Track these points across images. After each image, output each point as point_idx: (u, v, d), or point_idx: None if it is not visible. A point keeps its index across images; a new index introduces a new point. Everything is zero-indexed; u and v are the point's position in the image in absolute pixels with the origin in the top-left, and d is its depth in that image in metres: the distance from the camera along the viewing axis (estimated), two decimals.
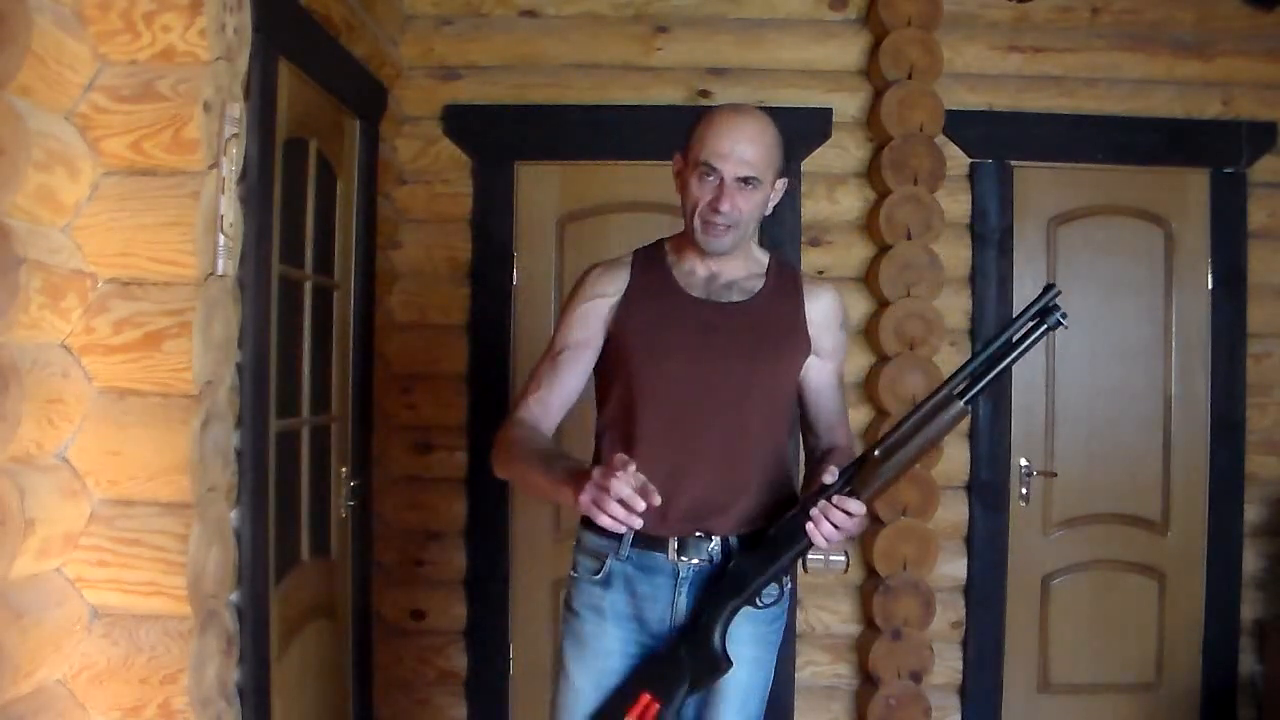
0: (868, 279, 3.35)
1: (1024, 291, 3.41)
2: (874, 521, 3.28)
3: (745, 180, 1.80)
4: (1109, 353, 3.45)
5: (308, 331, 2.69)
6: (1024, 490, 3.42)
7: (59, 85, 1.74)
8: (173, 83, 1.82)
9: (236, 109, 1.96)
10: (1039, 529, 3.44)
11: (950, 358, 3.33)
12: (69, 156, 1.77)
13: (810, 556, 3.42)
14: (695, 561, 1.83)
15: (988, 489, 3.37)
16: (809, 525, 1.70)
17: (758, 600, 1.79)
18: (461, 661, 3.40)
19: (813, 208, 3.39)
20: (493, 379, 3.38)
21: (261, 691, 2.26)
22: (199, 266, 1.85)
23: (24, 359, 1.64)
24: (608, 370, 1.92)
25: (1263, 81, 3.41)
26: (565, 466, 1.73)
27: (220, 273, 1.93)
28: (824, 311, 1.94)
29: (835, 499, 1.69)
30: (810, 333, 1.92)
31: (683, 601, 1.83)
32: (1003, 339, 1.68)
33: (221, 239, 1.92)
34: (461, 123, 3.39)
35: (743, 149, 1.79)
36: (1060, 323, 1.65)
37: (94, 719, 1.83)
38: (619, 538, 1.83)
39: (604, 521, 1.57)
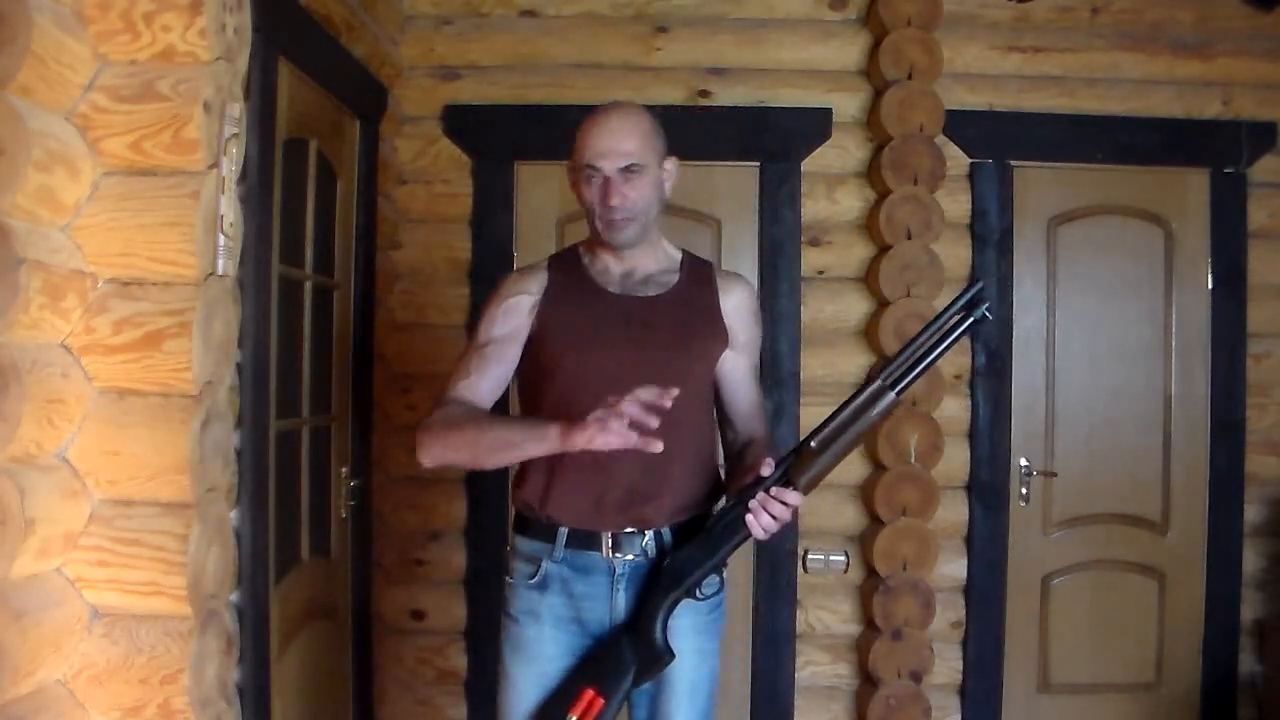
0: (868, 279, 3.35)
1: (1024, 291, 3.42)
2: (874, 521, 3.29)
3: (628, 169, 1.84)
4: (1109, 353, 3.45)
5: (308, 331, 2.69)
6: (1024, 490, 3.42)
7: (59, 85, 1.74)
8: (173, 83, 1.82)
9: (236, 109, 1.96)
10: (1039, 529, 3.44)
11: (950, 357, 3.32)
12: (69, 156, 1.77)
13: (810, 556, 3.46)
14: (630, 558, 1.85)
15: (988, 489, 3.37)
16: (748, 517, 1.73)
17: (698, 592, 1.82)
18: (461, 661, 3.40)
19: (813, 208, 3.39)
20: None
21: (261, 691, 2.26)
22: (199, 266, 1.85)
23: (24, 359, 1.64)
24: (530, 371, 1.94)
25: (1263, 81, 3.41)
26: (533, 419, 1.77)
27: (220, 273, 1.93)
28: (738, 304, 1.98)
29: (773, 490, 1.73)
30: (726, 324, 1.96)
31: (621, 599, 1.85)
32: (931, 332, 1.72)
33: (221, 239, 1.92)
34: (461, 123, 3.39)
35: (617, 142, 1.84)
36: (986, 316, 1.70)
37: (94, 719, 1.83)
38: (553, 540, 1.86)
39: (611, 436, 1.59)
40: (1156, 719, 3.45)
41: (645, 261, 1.95)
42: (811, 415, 3.34)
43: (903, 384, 1.72)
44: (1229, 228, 3.42)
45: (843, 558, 3.38)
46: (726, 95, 3.39)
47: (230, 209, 1.96)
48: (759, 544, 3.34)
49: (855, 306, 3.38)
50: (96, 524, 1.83)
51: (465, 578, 3.38)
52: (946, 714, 3.37)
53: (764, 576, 3.37)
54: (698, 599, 1.84)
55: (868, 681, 3.27)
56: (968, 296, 1.71)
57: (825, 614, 3.40)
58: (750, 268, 3.38)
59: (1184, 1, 3.41)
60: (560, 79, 3.37)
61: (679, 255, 2.00)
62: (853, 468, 3.36)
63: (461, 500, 3.39)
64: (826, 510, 3.37)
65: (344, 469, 2.96)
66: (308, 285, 2.69)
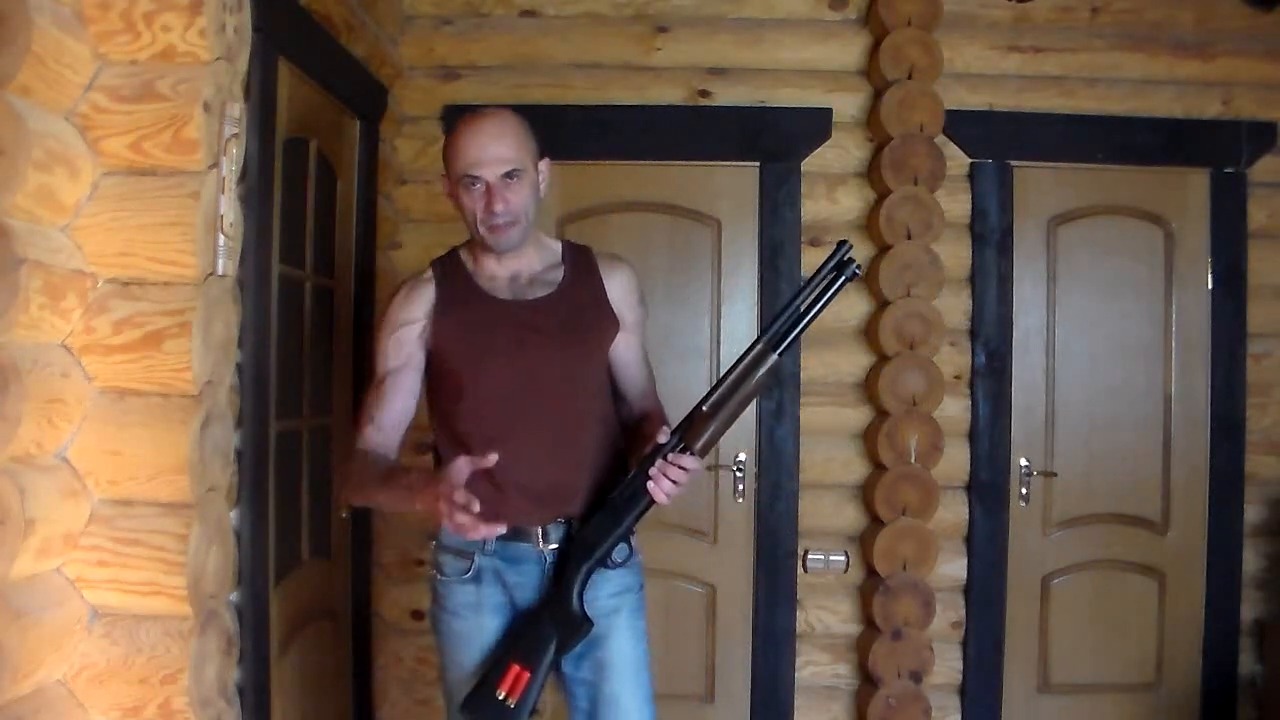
0: (868, 279, 3.35)
1: (1024, 291, 3.42)
2: (874, 521, 3.29)
3: (508, 175, 1.87)
4: (1109, 353, 3.45)
5: (308, 331, 2.69)
6: (1024, 490, 3.42)
7: (59, 85, 1.74)
8: (173, 83, 1.82)
9: (236, 109, 1.96)
10: (1039, 529, 3.44)
11: (950, 357, 3.34)
12: (69, 156, 1.77)
13: (810, 556, 3.46)
14: (555, 546, 1.91)
15: (988, 489, 3.37)
16: (650, 484, 1.79)
17: (610, 560, 1.88)
18: None
19: (813, 208, 3.39)
20: None
21: (261, 691, 2.26)
22: (199, 266, 1.85)
23: (24, 359, 1.64)
24: (436, 387, 1.99)
25: (1263, 81, 3.41)
26: (410, 479, 1.81)
27: (220, 273, 1.93)
28: (623, 288, 2.03)
29: (671, 456, 1.79)
30: (615, 311, 2.01)
31: (551, 582, 1.91)
32: (806, 293, 1.80)
33: (221, 239, 1.92)
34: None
35: (494, 149, 1.87)
36: (856, 273, 1.80)
37: (94, 719, 1.83)
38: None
39: (459, 533, 1.65)
40: (1156, 719, 3.44)
41: (530, 261, 1.99)
42: (811, 416, 3.35)
43: (783, 344, 1.80)
44: (1229, 228, 3.42)
45: (843, 558, 3.38)
46: (726, 95, 3.39)
47: (230, 209, 1.96)
48: (759, 544, 3.36)
49: (855, 306, 3.38)
50: (96, 524, 1.83)
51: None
52: (946, 714, 3.37)
53: (764, 576, 3.37)
54: (609, 566, 1.89)
55: (868, 681, 3.27)
56: (837, 257, 1.79)
57: (825, 614, 3.40)
58: (750, 268, 3.38)
59: (1184, 1, 3.41)
60: (560, 79, 3.37)
61: (559, 247, 2.05)
62: (853, 468, 3.37)
63: None
64: (826, 510, 3.37)
65: None
66: (308, 285, 2.69)
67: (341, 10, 2.74)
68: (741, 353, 1.83)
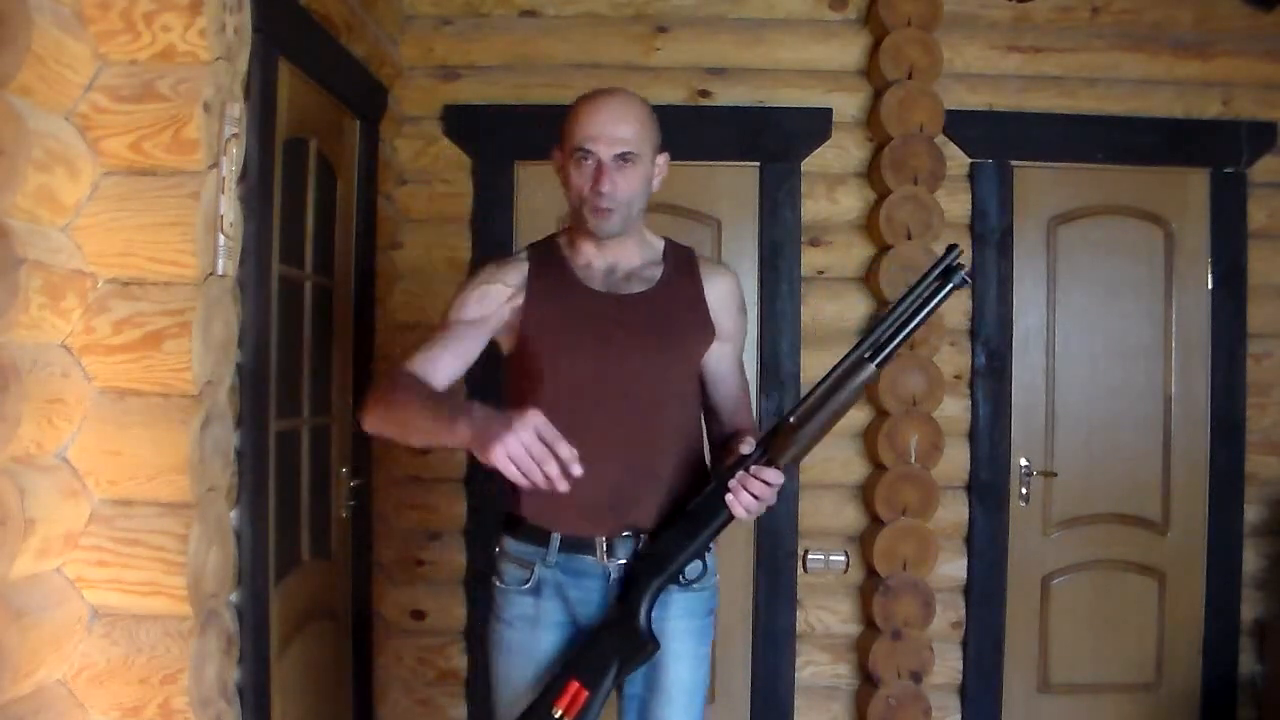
0: (868, 279, 3.35)
1: (1024, 291, 3.42)
2: (874, 521, 3.29)
3: (622, 157, 1.78)
4: (1109, 353, 3.45)
5: (308, 331, 2.69)
6: (1024, 490, 3.42)
7: (59, 85, 1.74)
8: (173, 83, 1.82)
9: (236, 109, 1.96)
10: (1039, 529, 3.44)
11: (950, 357, 3.34)
12: (69, 156, 1.77)
13: (810, 556, 3.46)
14: (624, 561, 1.80)
15: (988, 489, 3.37)
16: (729, 497, 1.68)
17: (682, 577, 1.77)
18: (461, 661, 3.40)
19: (813, 208, 3.39)
20: (492, 380, 3.36)
21: (261, 691, 2.26)
22: (199, 266, 1.85)
23: (24, 359, 1.64)
24: (515, 371, 1.90)
25: (1263, 81, 3.41)
26: (458, 404, 1.65)
27: (220, 273, 1.93)
28: (723, 295, 1.93)
29: (753, 468, 1.68)
30: (712, 317, 1.91)
31: (615, 600, 1.80)
32: (909, 301, 1.67)
33: (221, 239, 1.92)
34: (461, 123, 3.39)
35: (613, 127, 1.79)
36: (966, 281, 1.64)
37: (94, 719, 1.83)
38: (545, 544, 1.81)
39: (524, 478, 1.51)
40: (1156, 719, 3.45)
41: (628, 255, 1.90)
42: None
43: (882, 354, 1.67)
44: (1229, 228, 3.42)
45: (843, 558, 3.38)
46: (726, 95, 3.39)
47: (230, 209, 1.96)
48: (759, 544, 3.36)
49: (855, 306, 3.38)
50: (96, 524, 1.83)
51: (465, 578, 3.38)
52: (946, 714, 3.37)
53: (764, 576, 3.37)
54: (682, 584, 1.79)
55: (868, 681, 3.27)
56: (946, 262, 1.65)
57: (825, 614, 3.40)
58: (750, 268, 3.38)
59: (1184, 1, 3.41)
60: (560, 79, 3.36)
61: (661, 245, 1.95)
62: (853, 467, 3.37)
63: (461, 500, 3.39)
64: (826, 510, 3.37)
65: (344, 469, 2.96)
66: (308, 285, 2.69)
67: (341, 10, 2.74)
68: (836, 362, 1.70)
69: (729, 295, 1.95)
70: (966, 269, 1.65)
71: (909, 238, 3.19)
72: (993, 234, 3.38)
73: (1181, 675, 3.44)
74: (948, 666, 3.37)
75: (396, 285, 3.39)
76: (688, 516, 1.74)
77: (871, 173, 3.34)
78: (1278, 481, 3.44)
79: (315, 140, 2.69)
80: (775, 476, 1.68)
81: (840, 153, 3.39)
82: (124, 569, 1.82)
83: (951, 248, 1.66)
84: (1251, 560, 3.42)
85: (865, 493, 3.34)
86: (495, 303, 1.87)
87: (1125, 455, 3.44)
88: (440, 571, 3.39)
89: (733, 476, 1.69)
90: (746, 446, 1.70)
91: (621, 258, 1.89)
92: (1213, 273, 3.43)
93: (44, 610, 1.72)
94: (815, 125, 3.38)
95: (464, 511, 3.39)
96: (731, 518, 1.71)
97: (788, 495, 3.35)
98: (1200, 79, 3.42)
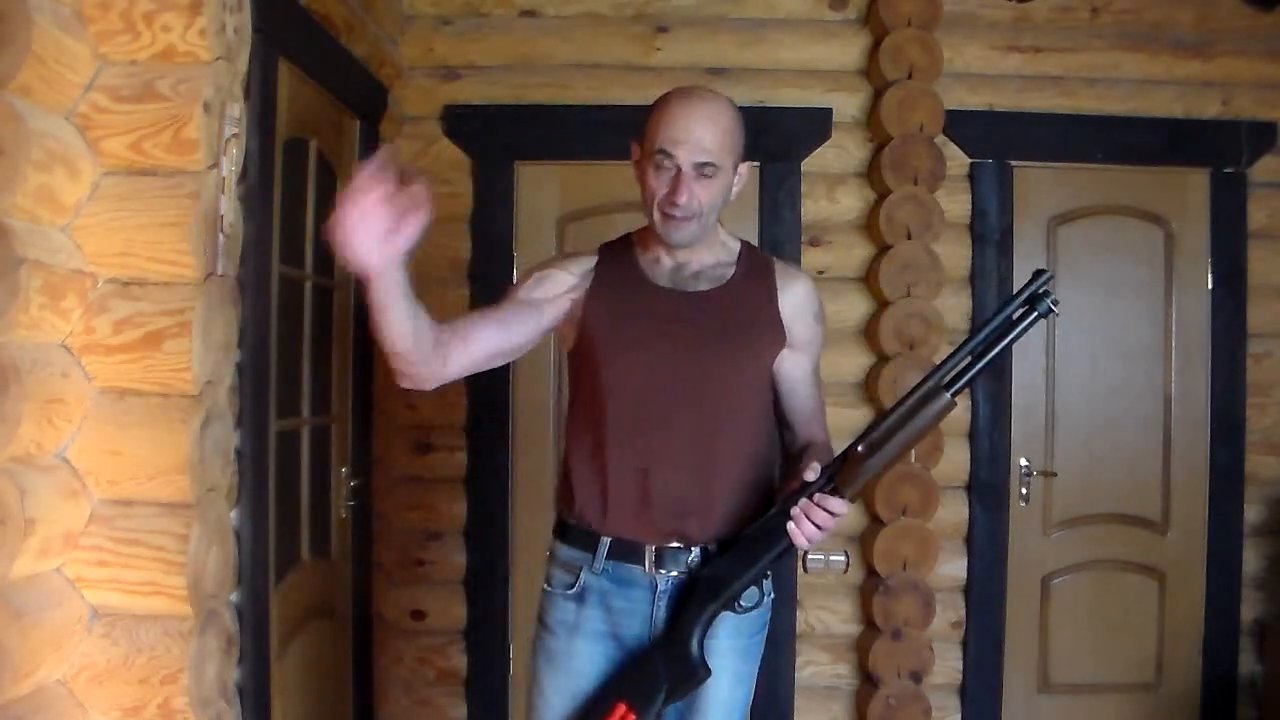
0: (868, 279, 3.35)
1: None
2: (874, 521, 3.29)
3: (703, 167, 1.71)
4: (1109, 353, 3.45)
5: (308, 331, 2.69)
6: (1024, 490, 3.42)
7: (59, 85, 1.74)
8: (173, 83, 1.82)
9: (236, 109, 1.96)
10: (1039, 529, 3.44)
11: None
12: (69, 156, 1.77)
13: (810, 556, 3.44)
14: (674, 574, 1.74)
15: (988, 489, 3.37)
16: (790, 525, 1.62)
17: (737, 605, 1.71)
18: (461, 661, 3.40)
19: (813, 208, 3.39)
20: (493, 380, 3.37)
21: (261, 691, 2.25)
22: (199, 266, 1.85)
23: (24, 359, 1.64)
24: (575, 369, 1.86)
25: (1263, 81, 3.41)
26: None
27: (220, 273, 1.93)
28: (798, 301, 1.85)
29: (817, 498, 1.61)
30: (784, 323, 1.83)
31: (661, 616, 1.75)
32: (992, 328, 1.57)
33: (221, 239, 1.92)
34: (461, 123, 3.39)
35: (699, 134, 1.70)
36: (1052, 310, 1.53)
37: (94, 719, 1.83)
38: (593, 550, 1.76)
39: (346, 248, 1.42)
40: (1156, 719, 3.45)
41: (700, 255, 1.82)
42: None
43: (959, 384, 1.57)
44: (1229, 228, 3.42)
45: (843, 558, 3.36)
46: (726, 95, 3.38)
47: (230, 209, 1.96)
48: None
49: (855, 306, 3.38)
50: (96, 524, 1.83)
51: (465, 578, 3.38)
52: (946, 714, 3.37)
53: None
54: (737, 612, 1.73)
55: (868, 681, 3.27)
56: (1032, 289, 1.54)
57: (825, 614, 3.39)
58: None
59: (1184, 1, 3.41)
60: (560, 79, 3.37)
61: (737, 246, 1.87)
62: None
63: (461, 500, 3.39)
64: None
65: (344, 469, 2.96)
66: (308, 285, 2.69)
67: (341, 10, 2.74)
68: (909, 389, 1.60)
69: (806, 301, 1.86)
70: (1054, 298, 1.54)
71: (909, 238, 3.19)
72: (993, 234, 3.38)
73: (1181, 675, 3.44)
74: (948, 666, 3.37)
75: None
76: (746, 541, 1.68)
77: (871, 173, 3.34)
78: (1278, 481, 3.43)
79: (315, 140, 2.69)
80: (840, 506, 1.61)
81: (840, 153, 3.39)
82: (124, 569, 1.82)
83: (1039, 273, 1.56)
84: (1251, 560, 3.42)
85: (865, 493, 3.33)
86: (556, 288, 1.82)
87: (1125, 455, 3.44)
88: (440, 571, 3.39)
89: (795, 503, 1.62)
90: (812, 473, 1.62)
91: (693, 257, 1.83)
92: (1213, 273, 3.43)
93: (44, 610, 1.72)
94: (815, 125, 3.38)
95: (464, 511, 3.39)
96: (792, 546, 1.64)
97: None
98: (1200, 79, 3.41)
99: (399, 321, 1.60)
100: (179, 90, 1.82)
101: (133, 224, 1.82)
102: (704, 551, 1.75)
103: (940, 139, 3.24)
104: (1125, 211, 3.46)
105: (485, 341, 1.74)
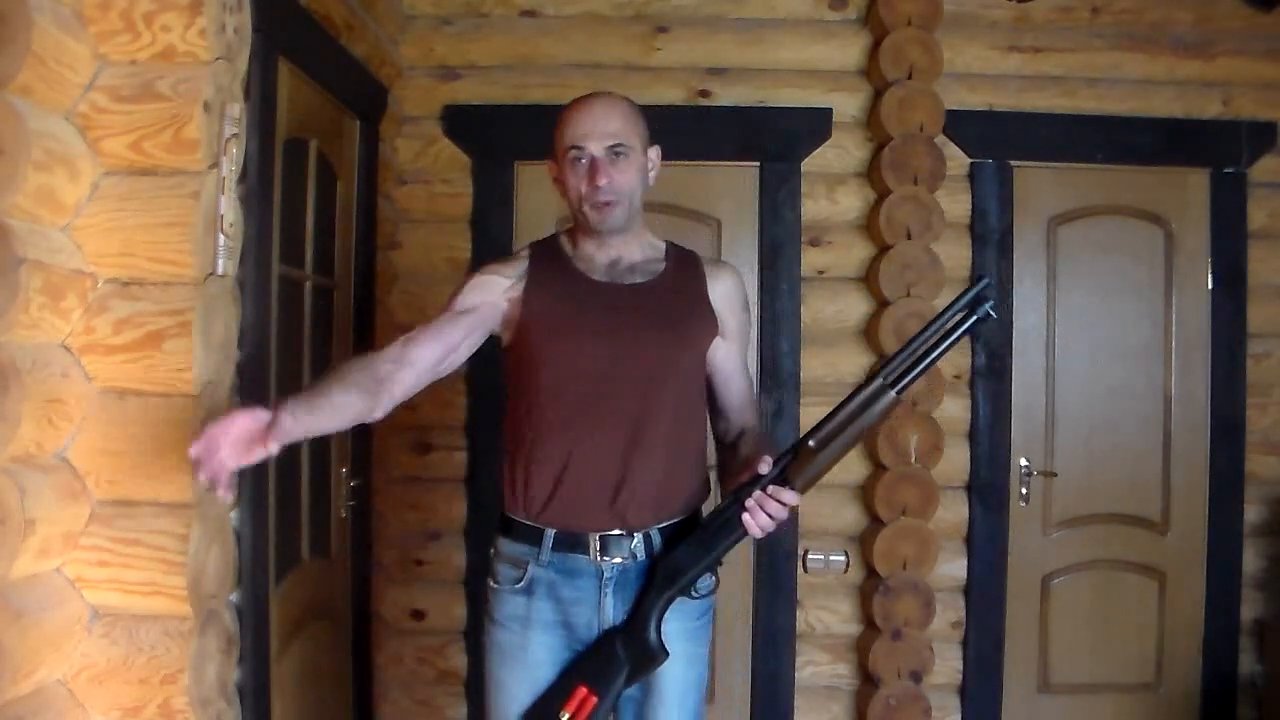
0: (868, 279, 3.35)
1: (1024, 291, 3.42)
2: (874, 521, 3.29)
3: (614, 150, 1.81)
4: (1109, 353, 3.45)
5: (308, 331, 2.69)
6: (1024, 490, 3.42)
7: (59, 85, 1.74)
8: (173, 83, 1.82)
9: (236, 109, 1.96)
10: (1039, 529, 3.44)
11: (950, 357, 3.32)
12: (69, 156, 1.77)
13: (810, 556, 3.46)
14: (618, 560, 1.81)
15: (988, 489, 3.37)
16: (745, 516, 1.70)
17: (693, 591, 1.79)
18: (461, 661, 3.40)
19: (813, 208, 3.39)
20: (492, 379, 3.36)
21: (261, 691, 2.25)
22: (199, 266, 1.85)
23: (24, 359, 1.64)
24: (513, 366, 1.91)
25: (1263, 81, 3.41)
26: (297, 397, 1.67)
27: (220, 273, 1.93)
28: (726, 291, 1.94)
29: (770, 489, 1.70)
30: (715, 313, 1.91)
31: (609, 604, 1.81)
32: (933, 330, 1.69)
33: (221, 239, 1.92)
34: (461, 123, 3.39)
35: (602, 123, 1.82)
36: (990, 314, 1.66)
37: (94, 719, 1.83)
38: (539, 543, 1.82)
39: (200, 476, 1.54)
40: (1156, 719, 3.45)
41: (630, 250, 1.90)
42: (811, 415, 3.33)
43: (904, 383, 1.68)
44: (1229, 228, 3.42)
45: (843, 558, 3.38)
46: (726, 95, 3.39)
47: (230, 209, 1.96)
48: (759, 543, 3.35)
49: (855, 306, 3.38)
50: (96, 524, 1.83)
51: (465, 578, 3.38)
52: (946, 714, 3.37)
53: (764, 576, 3.37)
54: (692, 597, 1.81)
55: (868, 681, 3.27)
56: (972, 294, 1.67)
57: (825, 614, 3.40)
58: (750, 268, 3.38)
59: (1184, 1, 3.41)
60: (560, 79, 3.37)
61: (663, 245, 1.97)
62: (853, 468, 3.36)
63: (461, 500, 3.39)
64: (826, 510, 3.37)
65: (344, 469, 2.96)
66: (308, 285, 2.69)
67: (341, 10, 2.74)
68: (855, 387, 1.72)
69: (733, 292, 1.95)
70: (992, 302, 1.67)
71: (909, 238, 3.19)
72: (993, 234, 3.38)
73: (1181, 675, 3.44)
74: (948, 666, 3.37)
75: (396, 285, 3.39)
76: (702, 531, 1.77)
77: (871, 173, 3.34)
78: (1278, 481, 3.44)
79: (315, 140, 2.69)
80: (792, 498, 1.70)
81: (840, 153, 3.39)
82: (124, 569, 1.82)
83: (980, 279, 1.69)
84: (1251, 560, 3.42)
85: (865, 493, 3.34)
86: (492, 293, 1.87)
87: (1125, 455, 3.44)
88: (440, 571, 3.39)
89: (749, 495, 1.70)
90: (765, 466, 1.70)
91: (624, 252, 1.90)
92: (1213, 273, 3.43)
93: (44, 610, 1.72)
94: (815, 125, 3.38)
95: (464, 511, 3.39)
96: (745, 535, 1.73)
97: None
98: (1200, 79, 3.42)
99: (332, 425, 1.75)
100: (179, 90, 1.82)
101: (133, 224, 1.82)
102: (646, 538, 1.82)
103: (940, 139, 3.24)
104: (1125, 211, 3.46)
105: (427, 359, 1.81)
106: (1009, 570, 3.39)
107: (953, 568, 3.37)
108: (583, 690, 1.74)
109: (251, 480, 2.19)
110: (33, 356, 1.69)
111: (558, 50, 3.38)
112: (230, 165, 1.95)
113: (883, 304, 3.24)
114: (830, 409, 1.73)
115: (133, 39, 1.81)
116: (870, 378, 1.71)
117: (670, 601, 1.77)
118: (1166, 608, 3.44)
